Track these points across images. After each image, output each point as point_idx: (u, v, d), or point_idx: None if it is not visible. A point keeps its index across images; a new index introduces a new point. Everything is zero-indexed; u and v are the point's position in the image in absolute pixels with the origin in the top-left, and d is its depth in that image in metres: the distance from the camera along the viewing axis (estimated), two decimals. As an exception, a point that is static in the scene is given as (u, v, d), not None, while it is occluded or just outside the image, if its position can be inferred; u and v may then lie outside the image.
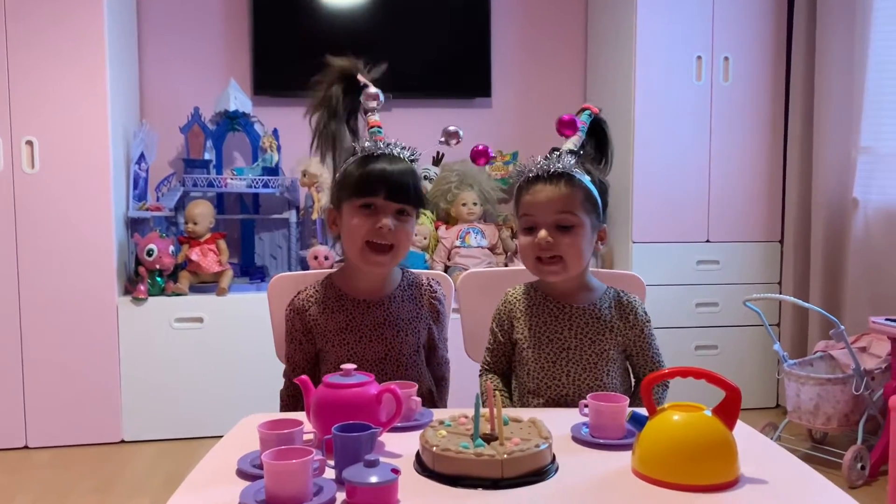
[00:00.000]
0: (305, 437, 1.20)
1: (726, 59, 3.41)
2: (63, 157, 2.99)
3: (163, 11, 3.58)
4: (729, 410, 1.12)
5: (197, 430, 3.11)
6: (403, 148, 1.51)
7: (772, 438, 2.60)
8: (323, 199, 3.34)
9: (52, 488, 2.69)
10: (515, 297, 1.60)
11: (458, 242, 3.44)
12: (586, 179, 1.49)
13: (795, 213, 3.43)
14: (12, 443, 3.03)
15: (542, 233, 1.47)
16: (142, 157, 3.29)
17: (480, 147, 1.58)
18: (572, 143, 1.52)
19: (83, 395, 3.06)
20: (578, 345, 1.52)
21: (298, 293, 1.59)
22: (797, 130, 3.42)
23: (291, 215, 3.46)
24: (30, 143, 2.96)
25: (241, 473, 1.13)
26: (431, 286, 1.62)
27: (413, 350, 1.57)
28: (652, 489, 1.08)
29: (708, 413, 1.12)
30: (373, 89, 1.53)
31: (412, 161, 1.52)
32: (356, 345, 1.53)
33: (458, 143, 1.61)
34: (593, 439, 1.26)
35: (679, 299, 3.43)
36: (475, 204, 3.50)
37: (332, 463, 1.11)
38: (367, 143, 1.50)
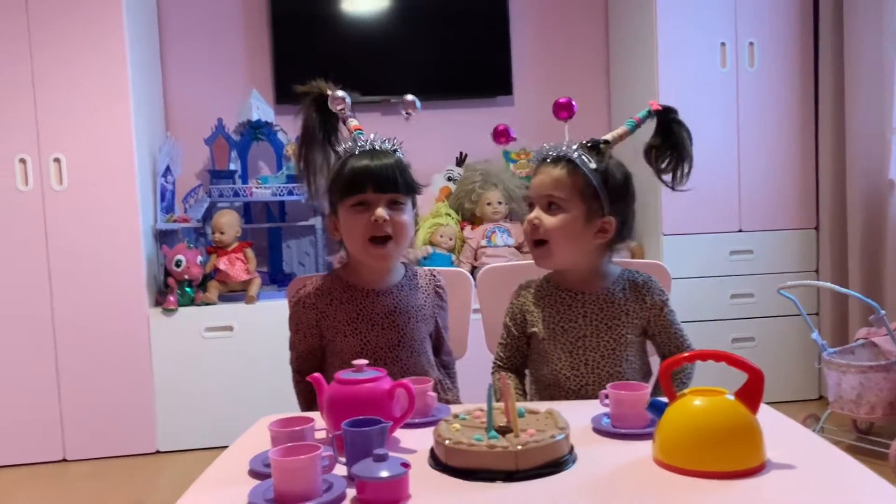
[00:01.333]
0: (317, 434, 1.18)
1: (751, 44, 3.33)
2: (90, 173, 3.03)
3: (183, 26, 3.62)
4: (751, 393, 1.07)
5: (231, 438, 3.06)
6: (385, 140, 1.52)
7: (814, 430, 2.52)
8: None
9: (91, 500, 2.72)
10: (528, 291, 1.59)
11: (484, 242, 3.41)
12: (590, 167, 1.46)
13: (830, 199, 3.34)
14: (51, 456, 3.07)
15: (532, 212, 1.49)
16: (168, 170, 3.32)
17: (501, 126, 1.60)
18: (611, 134, 1.53)
19: (118, 406, 3.09)
20: (594, 332, 1.50)
21: (303, 286, 1.60)
22: (828, 113, 3.33)
23: (317, 221, 3.46)
24: (57, 160, 3.01)
25: (254, 473, 1.12)
26: (434, 276, 1.65)
27: (423, 337, 1.58)
28: (674, 477, 1.04)
29: (730, 397, 1.08)
30: (339, 93, 1.54)
31: (395, 152, 1.52)
32: (369, 333, 1.53)
33: (414, 111, 1.60)
34: (614, 429, 1.22)
35: (713, 291, 3.35)
36: (500, 203, 3.46)
37: (343, 460, 1.09)
38: (348, 144, 1.52)
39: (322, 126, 1.55)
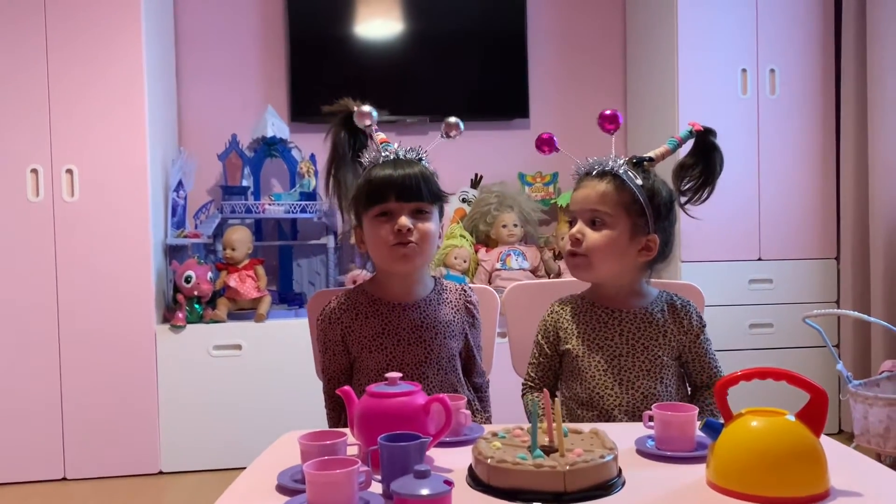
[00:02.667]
0: (349, 451, 1.11)
1: (772, 71, 3.30)
2: (102, 186, 2.99)
3: (200, 39, 3.60)
4: (815, 415, 1.01)
5: (236, 460, 3.04)
6: (409, 150, 1.51)
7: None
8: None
9: (90, 520, 2.64)
10: (562, 308, 1.55)
11: (498, 265, 3.36)
12: (636, 183, 1.43)
13: (852, 228, 3.29)
14: (50, 474, 2.98)
15: (576, 227, 1.46)
16: (180, 184, 3.28)
17: (545, 135, 1.56)
18: (653, 152, 1.50)
19: (121, 425, 3.01)
20: (630, 351, 1.45)
21: (328, 303, 1.56)
22: (850, 141, 3.29)
23: (329, 240, 3.41)
24: (70, 171, 2.97)
25: (282, 489, 1.05)
26: (465, 290, 1.60)
27: (452, 354, 1.53)
28: (731, 502, 0.97)
29: (791, 418, 1.01)
30: (365, 108, 1.53)
31: (419, 161, 1.51)
32: (394, 349, 1.48)
33: (458, 134, 1.62)
34: (661, 452, 1.16)
35: (732, 320, 3.29)
36: (515, 225, 3.42)
37: (378, 477, 1.03)
38: (372, 155, 1.51)
39: (351, 144, 1.55)
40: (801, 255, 3.35)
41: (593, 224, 1.44)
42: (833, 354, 2.74)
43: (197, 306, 3.11)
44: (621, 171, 1.44)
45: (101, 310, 2.99)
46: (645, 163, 1.47)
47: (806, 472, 0.97)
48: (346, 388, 1.20)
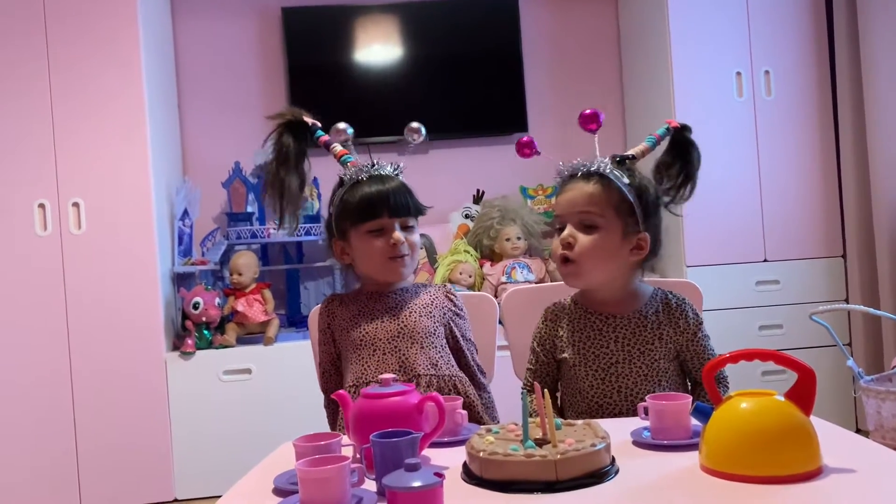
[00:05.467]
0: (344, 451, 1.12)
1: (767, 72, 3.32)
2: (108, 217, 3.03)
3: (200, 70, 3.66)
4: (803, 394, 1.01)
5: (250, 484, 3.03)
6: (388, 164, 1.58)
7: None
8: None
9: (106, 549, 2.64)
10: (556, 314, 1.52)
11: (504, 278, 3.36)
12: (624, 182, 1.41)
13: (856, 226, 3.27)
14: (67, 506, 3.00)
15: (566, 231, 1.42)
16: (185, 213, 3.32)
17: (525, 139, 1.56)
18: (634, 150, 1.49)
19: (135, 454, 3.02)
20: (627, 358, 1.42)
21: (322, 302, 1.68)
22: (848, 139, 3.29)
23: (335, 262, 3.43)
24: (76, 204, 3.01)
25: (278, 491, 1.06)
26: (445, 285, 1.69)
27: (429, 332, 1.55)
28: (725, 485, 0.97)
29: (780, 398, 1.02)
30: (341, 125, 1.62)
31: (397, 175, 1.58)
32: (368, 325, 1.55)
33: (420, 138, 1.74)
34: (656, 441, 1.16)
35: (740, 323, 3.28)
36: (519, 238, 3.43)
37: (373, 476, 1.04)
38: (351, 171, 1.55)
39: (296, 150, 1.56)
40: (807, 255, 3.34)
41: (583, 227, 1.41)
42: (843, 351, 2.72)
43: (206, 332, 3.13)
44: (608, 171, 1.41)
45: (112, 340, 3.01)
46: (627, 160, 1.46)
47: (797, 450, 0.97)
48: (342, 392, 1.21)
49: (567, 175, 1.47)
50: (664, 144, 1.54)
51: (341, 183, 1.56)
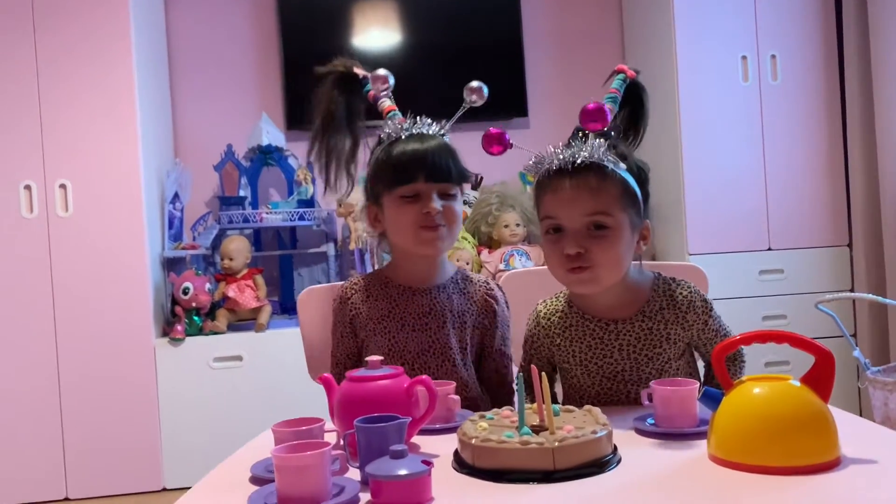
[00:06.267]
0: (328, 438, 1.05)
1: (773, 57, 3.23)
2: (96, 200, 2.95)
3: (193, 50, 3.56)
4: (821, 379, 0.94)
5: (240, 474, 2.97)
6: (430, 124, 1.39)
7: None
8: (360, 228, 3.23)
9: (92, 539, 2.58)
10: (548, 318, 1.35)
11: (502, 266, 3.29)
12: (622, 168, 1.23)
13: (863, 214, 3.20)
14: (53, 495, 2.93)
15: (571, 245, 1.21)
16: (176, 196, 3.24)
17: (494, 131, 1.32)
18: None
19: (123, 442, 2.96)
20: (633, 366, 1.28)
21: (344, 284, 1.47)
22: (856, 125, 3.21)
23: (329, 248, 3.36)
24: (63, 186, 2.94)
25: (256, 479, 0.99)
26: (487, 283, 1.46)
27: (459, 348, 1.39)
28: (735, 476, 0.90)
29: (795, 383, 0.94)
30: (381, 71, 1.41)
31: (442, 136, 1.40)
32: (397, 334, 1.38)
33: (480, 100, 1.48)
34: (661, 429, 1.09)
35: (743, 313, 3.20)
36: (518, 225, 3.35)
37: (357, 464, 0.97)
38: (390, 127, 1.38)
39: (346, 108, 1.42)
40: (813, 244, 3.26)
41: (591, 230, 1.22)
42: (850, 342, 2.66)
43: (196, 318, 3.06)
44: (606, 161, 1.22)
45: (99, 325, 2.94)
46: (609, 135, 1.27)
47: (814, 439, 0.90)
48: (327, 375, 1.14)
49: (554, 169, 1.23)
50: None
51: (379, 141, 1.40)
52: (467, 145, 1.44)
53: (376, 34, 3.59)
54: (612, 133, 1.31)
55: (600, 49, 3.77)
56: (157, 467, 2.99)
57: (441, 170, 1.34)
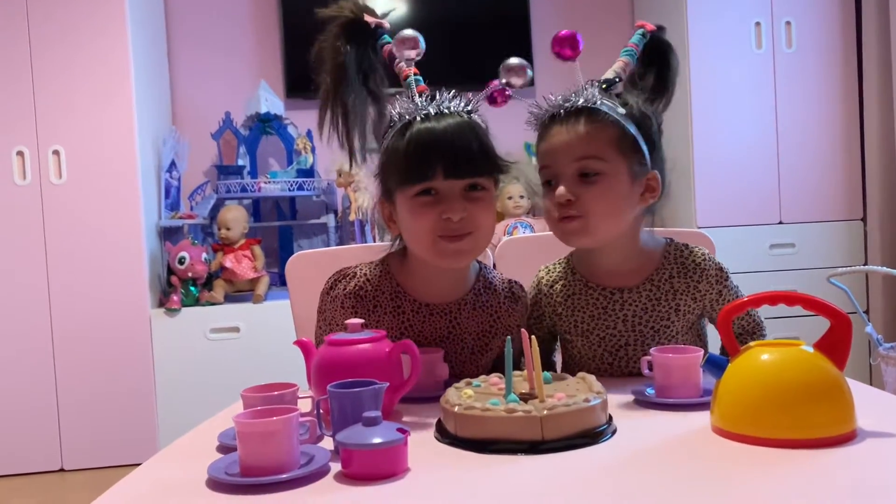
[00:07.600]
0: (302, 404, 0.98)
1: (788, 23, 3.12)
2: (90, 167, 2.88)
3: (190, 15, 3.47)
4: (837, 345, 0.86)
5: (237, 447, 2.92)
6: (453, 98, 1.13)
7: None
8: (360, 199, 3.15)
9: (85, 511, 2.54)
10: (549, 286, 1.27)
11: (505, 238, 3.20)
12: (620, 112, 1.15)
13: (878, 187, 3.10)
14: (48, 466, 2.89)
15: (560, 188, 1.14)
16: (173, 164, 3.17)
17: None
18: (613, 70, 1.24)
19: (118, 413, 2.91)
20: (638, 339, 1.20)
21: (347, 275, 1.22)
22: (873, 96, 3.10)
23: (329, 219, 3.28)
24: (56, 152, 2.87)
25: (223, 448, 0.93)
26: (510, 289, 1.25)
27: (479, 372, 1.17)
28: (741, 448, 0.83)
29: (808, 349, 0.86)
30: (409, 32, 1.16)
31: (468, 114, 1.13)
32: None
33: (524, 83, 1.23)
34: (661, 400, 1.01)
35: (753, 288, 3.04)
36: (521, 197, 3.27)
37: (330, 433, 0.90)
38: (403, 105, 1.12)
39: (357, 63, 1.15)
40: (825, 217, 3.17)
41: (582, 178, 1.14)
42: (862, 317, 2.57)
43: (192, 288, 3.00)
44: (598, 103, 1.15)
45: (94, 295, 2.88)
46: (616, 83, 1.21)
47: (828, 410, 0.82)
48: (305, 339, 1.07)
49: (546, 117, 1.19)
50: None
51: (390, 123, 1.14)
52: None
53: (380, 5, 3.48)
54: (618, 81, 1.22)
55: (609, 20, 3.65)
56: (153, 439, 2.95)
57: (465, 160, 1.08)
